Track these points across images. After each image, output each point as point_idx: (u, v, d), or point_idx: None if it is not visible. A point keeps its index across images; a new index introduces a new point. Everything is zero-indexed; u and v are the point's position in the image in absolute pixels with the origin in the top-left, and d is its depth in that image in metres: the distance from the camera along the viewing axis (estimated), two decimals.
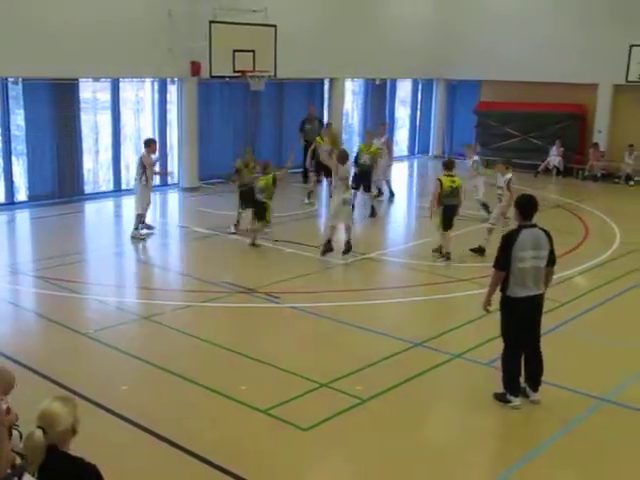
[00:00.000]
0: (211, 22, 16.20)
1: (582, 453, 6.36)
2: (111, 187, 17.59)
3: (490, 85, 23.73)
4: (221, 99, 19.18)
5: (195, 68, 17.35)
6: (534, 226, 6.97)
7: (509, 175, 12.20)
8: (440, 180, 12.06)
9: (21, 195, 16.18)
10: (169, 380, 7.54)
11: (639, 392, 7.55)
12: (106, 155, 17.55)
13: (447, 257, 12.12)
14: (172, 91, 18.17)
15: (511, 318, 7.02)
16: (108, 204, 16.70)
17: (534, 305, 7.01)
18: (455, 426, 6.98)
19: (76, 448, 3.88)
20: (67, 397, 4.04)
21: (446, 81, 25.09)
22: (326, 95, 22.04)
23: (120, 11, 15.91)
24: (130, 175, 16.91)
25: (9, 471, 3.67)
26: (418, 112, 25.83)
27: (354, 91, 23.82)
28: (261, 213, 12.88)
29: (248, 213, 13.68)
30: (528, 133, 22.48)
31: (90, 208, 16.38)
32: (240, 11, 16.79)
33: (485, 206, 14.69)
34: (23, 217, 15.27)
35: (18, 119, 15.92)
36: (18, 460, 3.85)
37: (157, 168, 13.62)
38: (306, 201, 16.55)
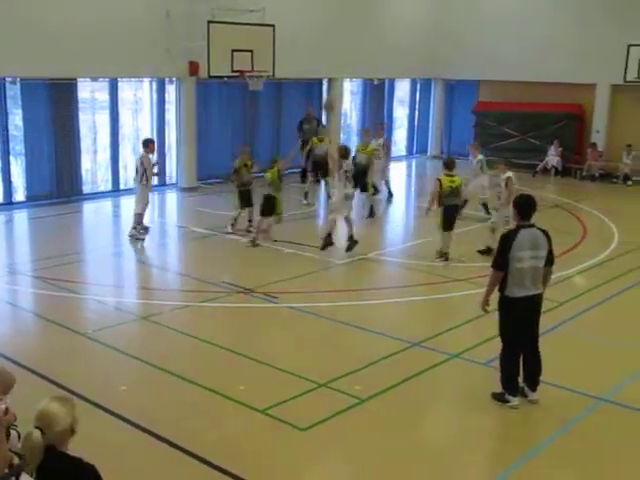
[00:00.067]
0: (209, 22, 16.19)
1: (580, 453, 6.37)
2: (109, 187, 17.57)
3: (488, 85, 23.75)
4: (219, 99, 19.18)
5: (193, 68, 17.35)
6: (532, 226, 6.97)
7: (508, 174, 12.21)
8: (440, 180, 12.06)
9: (19, 195, 16.16)
10: (168, 380, 7.53)
11: (637, 392, 7.56)
12: (104, 155, 17.53)
13: (445, 257, 12.12)
14: (170, 91, 18.17)
15: (509, 318, 7.02)
16: (106, 204, 16.69)
17: (532, 305, 7.01)
18: (453, 426, 6.98)
19: (74, 448, 3.87)
20: (65, 397, 4.03)
21: (444, 81, 25.10)
22: (324, 95, 22.04)
23: (118, 11, 15.90)
24: (128, 175, 16.91)
25: (7, 471, 3.66)
26: (416, 112, 25.84)
27: (352, 91, 23.82)
28: (271, 207, 12.90)
29: (246, 213, 13.73)
30: (526, 133, 22.49)
31: (88, 208, 16.37)
32: (238, 11, 16.78)
33: (485, 206, 14.71)
34: (21, 217, 15.26)
35: (16, 119, 15.91)
36: (16, 460, 3.84)
37: (156, 169, 13.60)
38: (304, 201, 16.55)
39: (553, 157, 21.69)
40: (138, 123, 18.20)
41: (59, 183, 16.36)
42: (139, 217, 13.31)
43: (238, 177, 13.64)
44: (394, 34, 22.39)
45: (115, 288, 10.97)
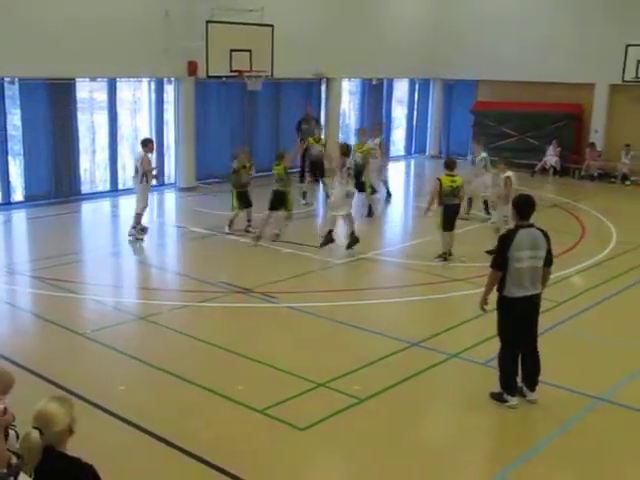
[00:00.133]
0: (208, 22, 16.18)
1: (579, 453, 6.37)
2: (108, 187, 17.57)
3: (487, 85, 23.76)
4: (218, 99, 19.17)
5: (192, 68, 17.35)
6: (531, 226, 6.97)
7: (508, 173, 12.21)
8: (440, 180, 12.05)
9: (18, 195, 16.15)
10: (166, 380, 7.53)
11: (636, 391, 7.56)
12: (103, 155, 17.53)
13: (444, 257, 12.12)
14: (169, 91, 18.16)
15: (508, 318, 7.02)
16: (105, 204, 16.69)
17: (531, 305, 7.01)
18: (452, 426, 6.98)
19: (73, 448, 3.87)
20: (63, 397, 4.03)
21: (443, 81, 25.11)
22: (323, 95, 22.05)
23: (117, 11, 15.89)
24: (127, 175, 16.91)
25: (5, 471, 3.66)
26: (415, 112, 25.84)
27: (351, 91, 23.82)
28: (280, 202, 12.97)
29: (245, 213, 13.73)
30: (525, 133, 22.50)
31: (87, 208, 16.37)
32: (237, 11, 16.78)
33: (486, 204, 14.72)
34: (20, 217, 15.24)
35: (15, 119, 15.90)
36: (14, 460, 3.84)
37: (154, 172, 13.59)
38: (302, 201, 16.54)
39: (552, 157, 21.71)
40: (137, 123, 18.20)
41: (57, 183, 16.35)
42: (138, 217, 13.31)
43: (237, 178, 13.63)
44: (393, 34, 22.39)
45: (114, 288, 10.96)
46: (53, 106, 16.05)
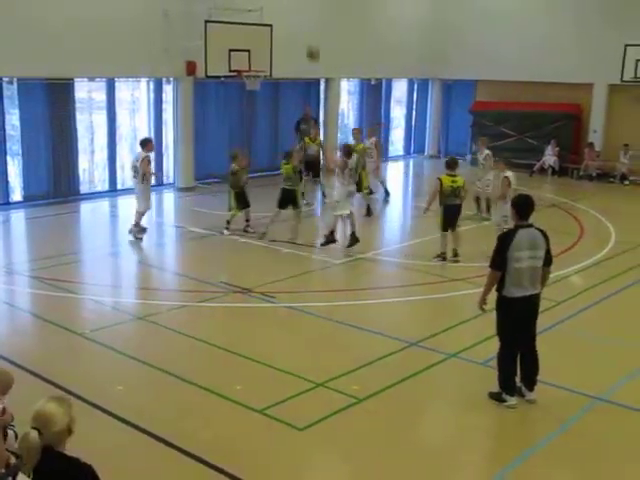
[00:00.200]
0: (207, 22, 16.19)
1: (578, 452, 6.37)
2: (106, 187, 17.56)
3: (485, 85, 23.76)
4: (217, 99, 19.16)
5: (191, 68, 17.34)
6: (530, 226, 6.98)
7: (507, 173, 12.22)
8: (440, 179, 12.04)
9: (16, 195, 16.13)
10: (165, 380, 7.53)
11: (635, 391, 7.56)
12: (101, 155, 17.52)
13: (443, 257, 12.12)
14: (168, 91, 18.15)
15: (507, 318, 7.02)
16: (104, 204, 16.68)
17: (530, 305, 7.02)
18: (451, 425, 6.98)
19: (72, 448, 3.87)
20: (62, 397, 4.02)
21: (441, 81, 25.11)
22: (322, 95, 22.05)
23: (116, 11, 15.88)
24: (126, 175, 16.90)
25: (3, 471, 3.66)
26: (414, 112, 25.85)
27: (350, 91, 23.82)
28: (287, 200, 13.04)
29: (243, 213, 13.73)
30: (523, 133, 22.50)
31: (85, 208, 16.36)
32: (236, 11, 16.78)
33: (487, 201, 14.72)
34: (18, 217, 15.23)
35: (13, 119, 15.89)
36: (13, 460, 3.83)
37: (153, 177, 13.59)
38: (303, 201, 16.50)
39: (550, 157, 21.72)
40: (135, 123, 18.19)
41: (56, 183, 16.33)
42: (138, 216, 13.30)
43: (236, 180, 13.62)
44: (391, 34, 22.38)
45: (112, 288, 10.96)
46: (52, 106, 16.03)
